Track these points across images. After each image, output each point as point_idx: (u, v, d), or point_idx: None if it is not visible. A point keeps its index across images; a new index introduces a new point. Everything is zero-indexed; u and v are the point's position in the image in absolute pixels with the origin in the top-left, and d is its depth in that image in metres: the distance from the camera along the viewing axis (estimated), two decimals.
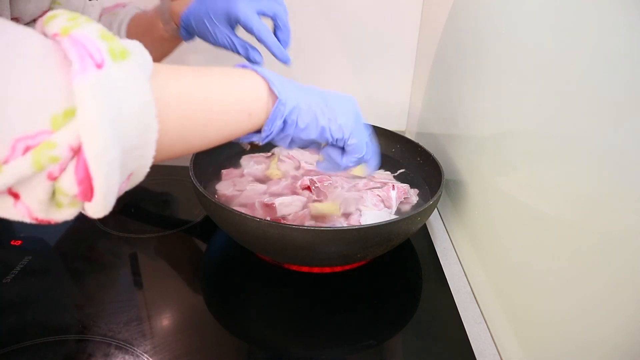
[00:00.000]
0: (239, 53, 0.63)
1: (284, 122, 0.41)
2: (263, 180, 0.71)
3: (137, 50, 0.28)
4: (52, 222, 0.27)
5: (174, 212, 0.75)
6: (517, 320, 0.49)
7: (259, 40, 0.62)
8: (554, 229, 0.42)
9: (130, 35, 0.70)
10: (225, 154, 0.77)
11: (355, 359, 0.51)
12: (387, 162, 0.80)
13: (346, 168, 0.48)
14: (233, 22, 0.62)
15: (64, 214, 0.28)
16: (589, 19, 0.39)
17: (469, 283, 0.62)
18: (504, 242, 0.54)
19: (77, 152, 0.25)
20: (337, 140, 0.45)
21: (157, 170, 1.02)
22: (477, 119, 0.64)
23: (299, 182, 0.68)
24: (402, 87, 1.07)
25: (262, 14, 0.63)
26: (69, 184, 0.25)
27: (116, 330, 0.51)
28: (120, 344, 0.49)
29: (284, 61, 0.63)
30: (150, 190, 0.81)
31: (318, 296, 0.58)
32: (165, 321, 0.53)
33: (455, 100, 0.74)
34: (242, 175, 0.72)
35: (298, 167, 0.75)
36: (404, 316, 0.56)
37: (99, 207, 0.27)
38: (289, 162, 0.76)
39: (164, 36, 0.69)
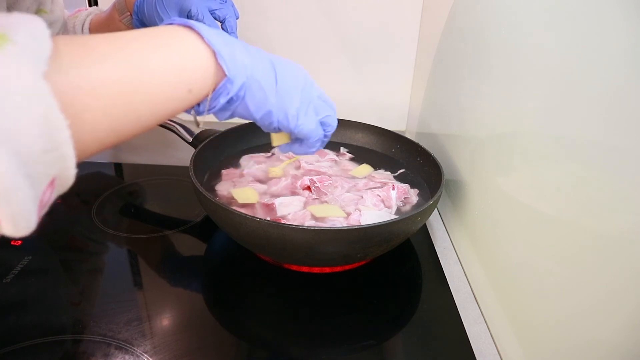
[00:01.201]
0: None
1: (230, 99, 0.36)
2: (263, 180, 0.71)
3: (22, 31, 0.22)
4: None
5: (174, 212, 0.75)
6: (517, 320, 0.49)
7: None
8: (554, 229, 0.42)
9: (91, 32, 0.74)
10: (225, 154, 0.77)
11: (355, 359, 0.51)
12: (387, 162, 0.80)
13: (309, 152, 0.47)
14: (184, 16, 0.65)
15: None
16: (589, 19, 0.39)
17: (469, 283, 0.62)
18: (504, 242, 0.54)
19: None
20: (282, 127, 0.42)
21: (157, 170, 1.02)
22: (477, 119, 0.64)
23: (299, 182, 0.68)
24: (402, 87, 1.07)
25: (213, 13, 0.66)
26: None
27: (116, 330, 0.51)
28: (120, 344, 0.49)
29: None
30: (150, 190, 0.81)
31: (318, 296, 0.58)
32: (165, 321, 0.53)
33: (455, 100, 0.74)
34: (242, 175, 0.72)
35: (298, 167, 0.75)
36: (404, 316, 0.56)
37: (11, 229, 0.22)
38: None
39: (121, 29, 0.71)
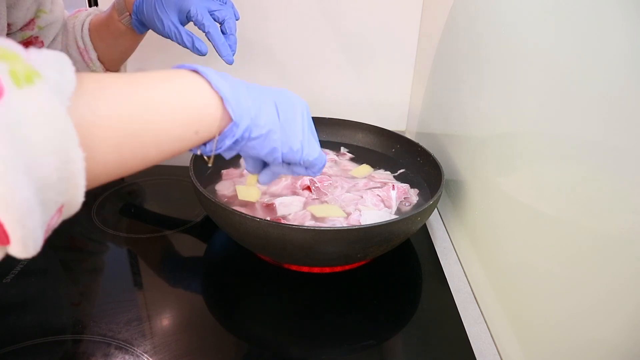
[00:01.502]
0: (184, 44, 0.66)
1: (235, 140, 0.38)
2: None
3: (52, 68, 0.24)
4: None
5: (174, 212, 0.75)
6: (517, 320, 0.49)
7: (208, 36, 0.65)
8: (554, 229, 0.42)
9: (91, 32, 0.74)
10: None
11: (355, 359, 0.51)
12: (387, 162, 0.80)
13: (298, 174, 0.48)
14: (184, 16, 0.65)
15: None
16: (589, 19, 0.39)
17: (469, 283, 0.62)
18: (504, 242, 0.54)
19: None
20: (288, 160, 0.43)
21: (157, 170, 1.01)
22: (477, 119, 0.64)
23: (299, 182, 0.68)
24: (402, 87, 1.07)
25: (213, 15, 0.66)
26: None
27: (116, 330, 0.51)
28: (120, 344, 0.49)
29: (228, 62, 0.66)
30: (150, 190, 0.81)
31: (318, 296, 0.58)
32: (165, 321, 0.53)
33: (455, 100, 0.74)
34: (242, 175, 0.72)
35: None
36: (404, 316, 0.56)
37: (20, 251, 0.24)
38: None
39: (120, 29, 0.71)
